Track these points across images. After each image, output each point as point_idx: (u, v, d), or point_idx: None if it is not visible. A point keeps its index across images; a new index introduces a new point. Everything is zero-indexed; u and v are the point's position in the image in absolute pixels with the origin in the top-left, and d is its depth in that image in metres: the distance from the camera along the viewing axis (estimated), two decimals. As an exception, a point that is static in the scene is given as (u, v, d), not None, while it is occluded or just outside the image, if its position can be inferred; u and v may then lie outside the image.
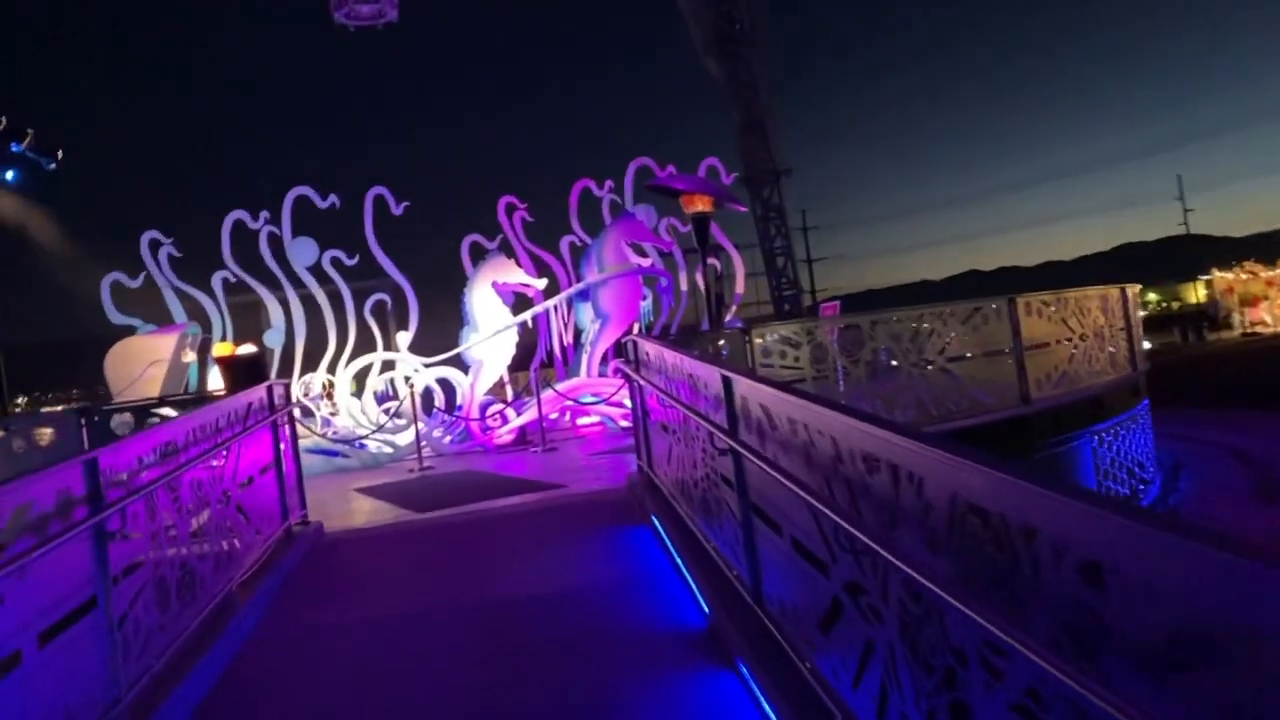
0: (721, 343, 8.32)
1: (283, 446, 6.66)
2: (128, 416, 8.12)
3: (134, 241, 14.05)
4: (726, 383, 4.24)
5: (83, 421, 7.94)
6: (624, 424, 13.39)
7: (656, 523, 6.16)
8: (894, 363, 8.84)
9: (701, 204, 9.53)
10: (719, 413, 4.45)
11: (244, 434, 5.74)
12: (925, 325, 9.07)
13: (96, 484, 3.94)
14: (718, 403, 4.48)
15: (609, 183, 15.74)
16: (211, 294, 14.25)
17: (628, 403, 13.44)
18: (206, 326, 14.30)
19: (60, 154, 14.63)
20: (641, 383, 6.59)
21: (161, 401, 8.61)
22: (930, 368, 9.01)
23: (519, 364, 14.96)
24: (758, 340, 8.10)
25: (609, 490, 7.76)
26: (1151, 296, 59.31)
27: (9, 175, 15.74)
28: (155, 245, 14.05)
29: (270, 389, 6.50)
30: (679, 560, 5.42)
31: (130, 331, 13.82)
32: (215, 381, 12.49)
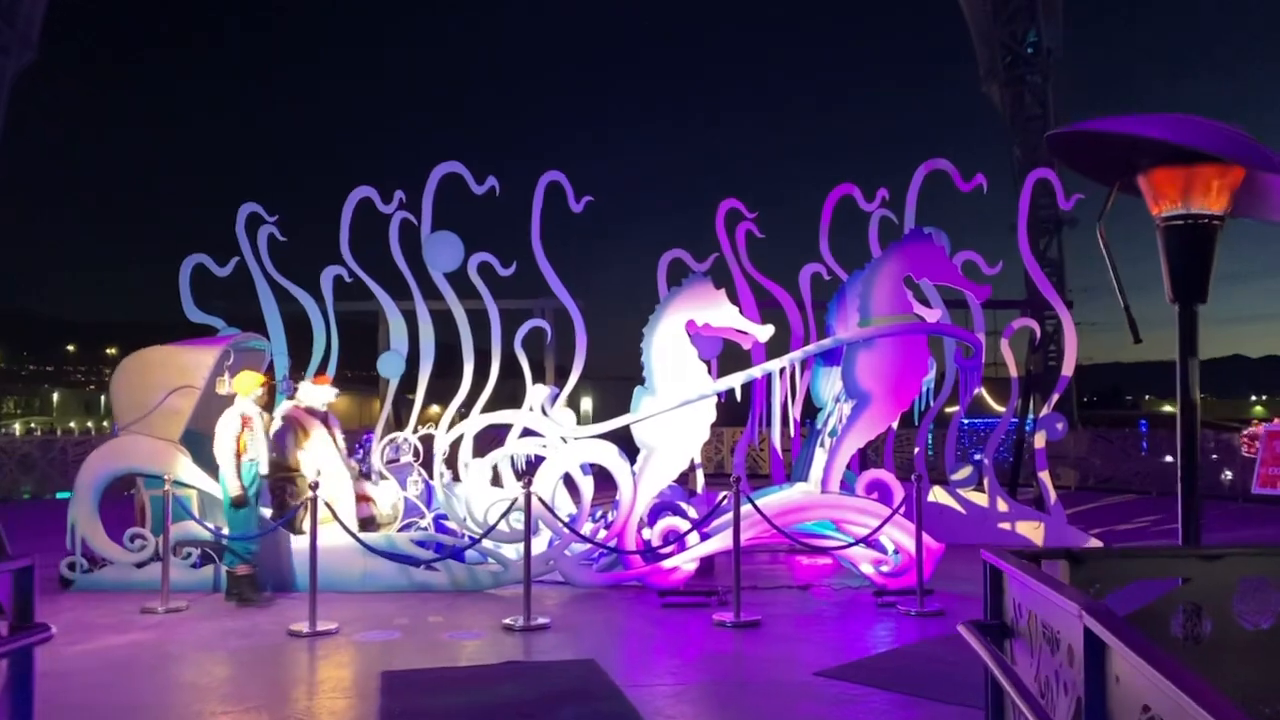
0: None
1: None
2: None
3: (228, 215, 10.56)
4: None
5: None
6: (870, 570, 8.13)
7: None
8: None
9: (1216, 192, 3.18)
10: None
11: None
12: None
13: None
14: None
15: (882, 192, 10.66)
16: (318, 297, 10.48)
17: (885, 542, 7.90)
18: (301, 344, 10.52)
19: None
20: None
21: None
22: None
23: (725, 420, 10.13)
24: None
25: None
26: None
27: None
28: (254, 222, 10.42)
29: None
30: None
31: (210, 333, 10.23)
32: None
